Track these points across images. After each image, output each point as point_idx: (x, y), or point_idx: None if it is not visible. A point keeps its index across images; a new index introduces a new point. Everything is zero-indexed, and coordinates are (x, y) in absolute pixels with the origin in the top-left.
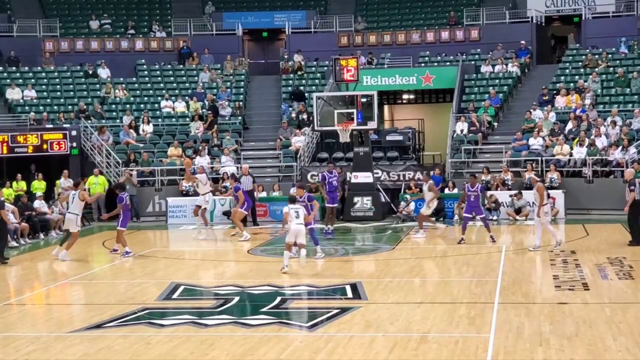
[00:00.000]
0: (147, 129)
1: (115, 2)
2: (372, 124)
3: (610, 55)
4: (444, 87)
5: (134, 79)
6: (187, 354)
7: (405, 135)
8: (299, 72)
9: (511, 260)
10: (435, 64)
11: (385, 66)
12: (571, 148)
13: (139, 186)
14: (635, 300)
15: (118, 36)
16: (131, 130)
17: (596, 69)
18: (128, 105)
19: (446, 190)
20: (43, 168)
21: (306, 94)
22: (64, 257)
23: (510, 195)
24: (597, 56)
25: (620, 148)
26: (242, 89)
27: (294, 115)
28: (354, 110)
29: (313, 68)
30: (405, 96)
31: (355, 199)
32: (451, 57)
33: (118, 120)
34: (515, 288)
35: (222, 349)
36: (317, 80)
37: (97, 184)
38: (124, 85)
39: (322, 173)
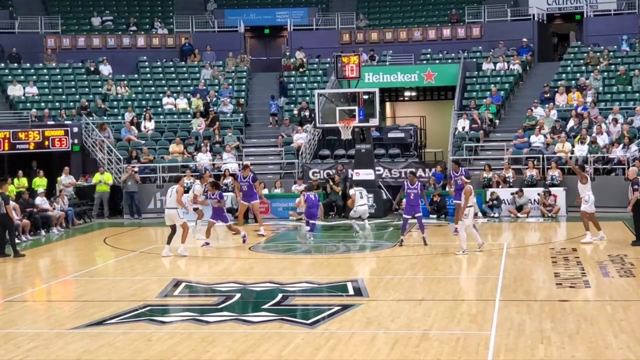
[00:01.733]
0: (149, 125)
1: None
2: (374, 121)
3: (611, 53)
4: (445, 85)
5: (136, 75)
6: (188, 351)
7: (407, 132)
8: (301, 69)
9: (512, 257)
10: (437, 61)
11: (387, 63)
12: (572, 145)
13: (140, 183)
14: (636, 297)
15: (120, 33)
16: (133, 127)
17: (598, 67)
18: (130, 102)
19: (447, 188)
20: (44, 165)
21: (305, 90)
22: (183, 251)
23: (512, 193)
24: (598, 54)
25: (621, 146)
26: (243, 86)
27: (295, 111)
28: (356, 107)
29: (315, 65)
30: (407, 93)
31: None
32: (453, 55)
33: (120, 117)
34: (516, 285)
35: (223, 346)
36: (318, 77)
37: (102, 182)
38: (125, 82)
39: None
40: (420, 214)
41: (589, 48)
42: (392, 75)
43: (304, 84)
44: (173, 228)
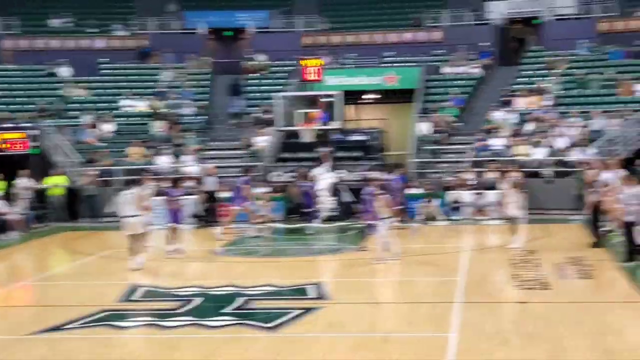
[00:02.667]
0: (109, 128)
1: (77, 0)
2: (336, 124)
3: (570, 57)
4: (407, 88)
5: (95, 77)
6: (147, 356)
7: (369, 135)
8: (263, 72)
9: (473, 259)
10: (399, 64)
11: (349, 66)
12: (531, 148)
13: (100, 186)
14: (594, 299)
15: (79, 35)
16: (92, 130)
17: (556, 71)
18: (89, 104)
19: (412, 190)
20: (3, 168)
21: (267, 93)
22: (140, 263)
23: (475, 193)
24: (557, 58)
25: (579, 149)
26: (205, 88)
27: (257, 114)
28: (318, 110)
29: (277, 68)
30: (369, 96)
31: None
32: (414, 58)
33: (79, 119)
34: (476, 287)
35: (183, 351)
36: (281, 80)
37: (55, 185)
38: (85, 84)
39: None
40: (374, 221)
41: (548, 52)
42: (354, 78)
43: (265, 87)
44: (134, 237)
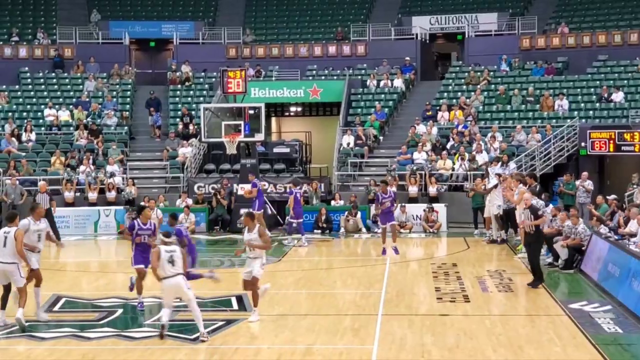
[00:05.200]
0: (30, 137)
1: None
2: (259, 136)
3: (492, 73)
4: (331, 101)
5: (17, 86)
6: None
7: (292, 147)
8: (187, 83)
9: (395, 272)
10: (323, 77)
11: (273, 79)
12: (453, 162)
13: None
14: (514, 312)
15: (1, 43)
16: (13, 139)
17: (478, 86)
18: (10, 113)
19: (332, 203)
20: None
21: (190, 104)
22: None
23: (401, 205)
24: (479, 73)
25: (500, 163)
26: (128, 99)
27: (181, 126)
28: (242, 122)
29: (201, 79)
30: (292, 109)
31: (242, 211)
32: (338, 71)
33: None
34: (398, 300)
35: None
36: (204, 92)
37: None
38: (5, 93)
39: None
40: (395, 222)
41: (470, 68)
42: (278, 91)
43: (189, 98)
44: (7, 288)
